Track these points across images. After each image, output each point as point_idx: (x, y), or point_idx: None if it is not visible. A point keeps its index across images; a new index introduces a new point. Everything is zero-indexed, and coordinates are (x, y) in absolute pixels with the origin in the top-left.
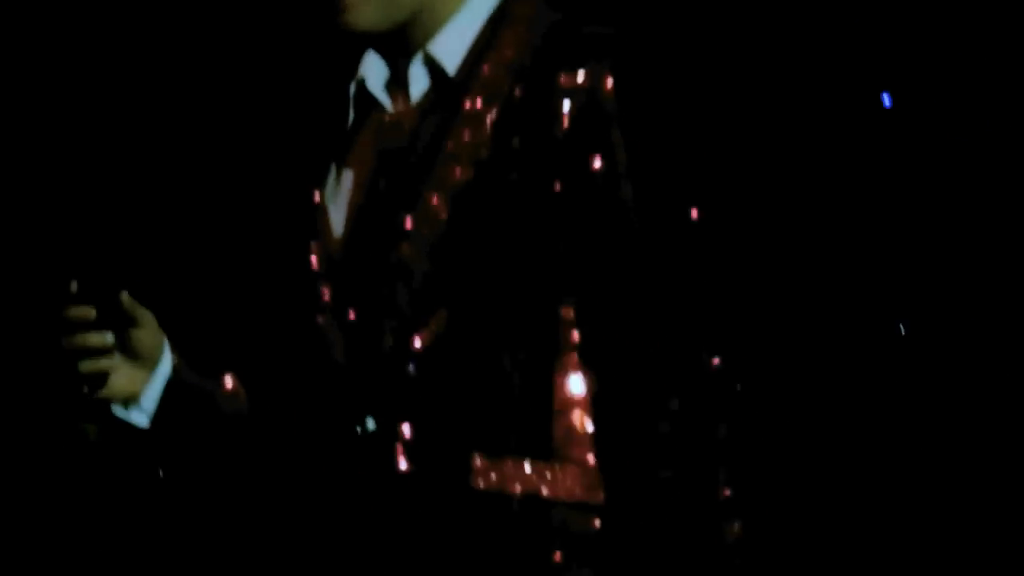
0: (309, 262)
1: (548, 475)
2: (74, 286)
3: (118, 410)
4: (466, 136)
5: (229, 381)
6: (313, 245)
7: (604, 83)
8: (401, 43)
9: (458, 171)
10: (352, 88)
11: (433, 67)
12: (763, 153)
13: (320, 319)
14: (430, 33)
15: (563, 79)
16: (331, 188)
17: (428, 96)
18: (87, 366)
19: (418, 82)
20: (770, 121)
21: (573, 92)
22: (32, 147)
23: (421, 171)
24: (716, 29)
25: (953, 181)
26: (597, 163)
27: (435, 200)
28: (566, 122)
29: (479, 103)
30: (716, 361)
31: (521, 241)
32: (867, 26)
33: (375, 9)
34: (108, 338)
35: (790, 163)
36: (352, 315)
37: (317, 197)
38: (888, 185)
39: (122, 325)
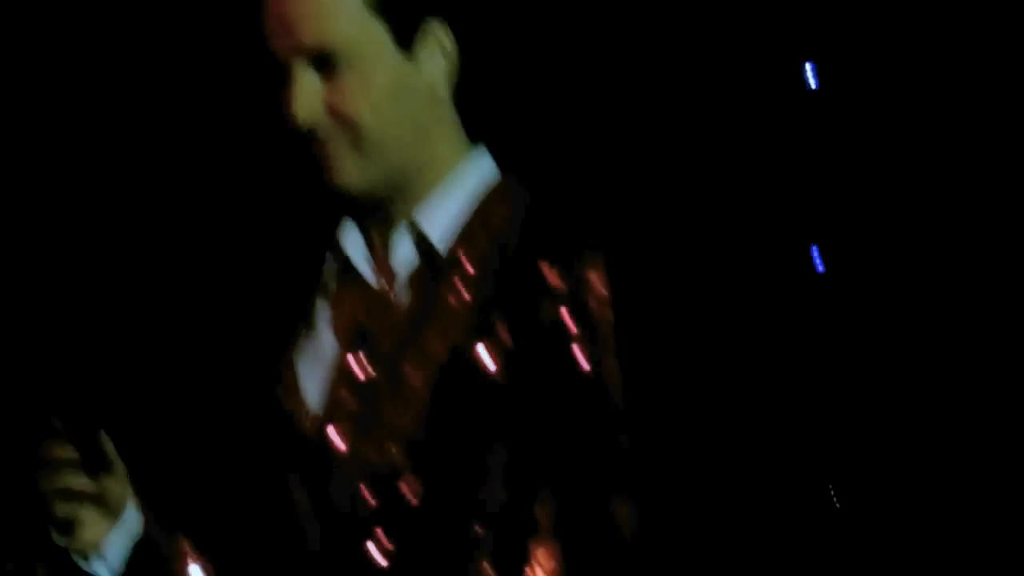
0: (284, 436)
1: None
2: (57, 423)
3: (79, 559)
4: (451, 319)
5: (188, 553)
6: (288, 420)
7: (591, 277)
8: (384, 207)
9: (441, 351)
10: (330, 256)
11: (420, 239)
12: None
13: (297, 498)
14: (414, 200)
15: (549, 272)
16: (307, 353)
17: (414, 271)
18: (61, 509)
19: (403, 251)
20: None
21: (561, 285)
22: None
23: (404, 349)
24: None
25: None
26: (582, 359)
27: (417, 382)
28: (554, 314)
29: (465, 286)
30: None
31: (501, 426)
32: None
33: (359, 170)
34: (86, 482)
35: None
36: (325, 499)
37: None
38: None
39: (96, 470)
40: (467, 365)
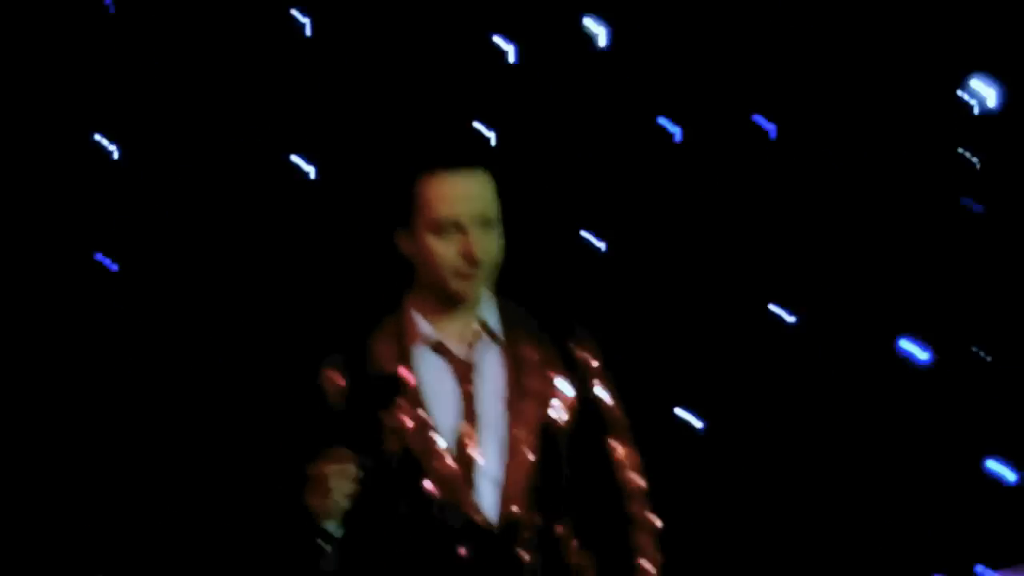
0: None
1: None
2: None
3: (329, 525)
4: (527, 379)
5: None
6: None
7: (592, 351)
8: (464, 311)
9: (532, 408)
10: (420, 342)
11: (485, 328)
12: None
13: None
14: (476, 306)
15: (575, 346)
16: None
17: (483, 348)
18: (343, 488)
19: (473, 335)
20: None
21: (583, 355)
22: None
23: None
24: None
25: None
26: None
27: (521, 435)
28: (584, 369)
29: (524, 349)
30: None
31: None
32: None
33: (480, 287)
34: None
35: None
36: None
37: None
38: None
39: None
40: (554, 424)
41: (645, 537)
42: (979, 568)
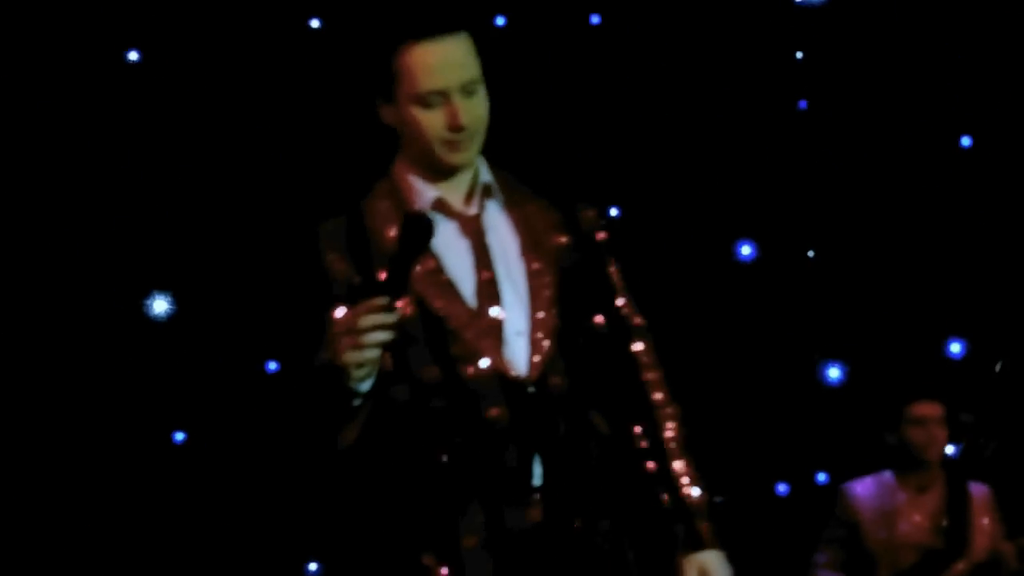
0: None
1: None
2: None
3: (357, 383)
4: (537, 234)
5: None
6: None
7: (598, 218)
8: (463, 175)
9: (546, 260)
10: (420, 203)
11: (486, 189)
12: None
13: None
14: (472, 170)
15: (583, 210)
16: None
17: (487, 206)
18: (375, 339)
19: (478, 198)
20: None
21: (589, 218)
22: None
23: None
24: None
25: None
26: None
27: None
28: (589, 236)
29: (529, 210)
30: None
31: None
32: None
33: (473, 153)
34: (392, 318)
35: None
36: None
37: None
38: None
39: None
40: (563, 264)
41: (659, 394)
42: (820, 476)
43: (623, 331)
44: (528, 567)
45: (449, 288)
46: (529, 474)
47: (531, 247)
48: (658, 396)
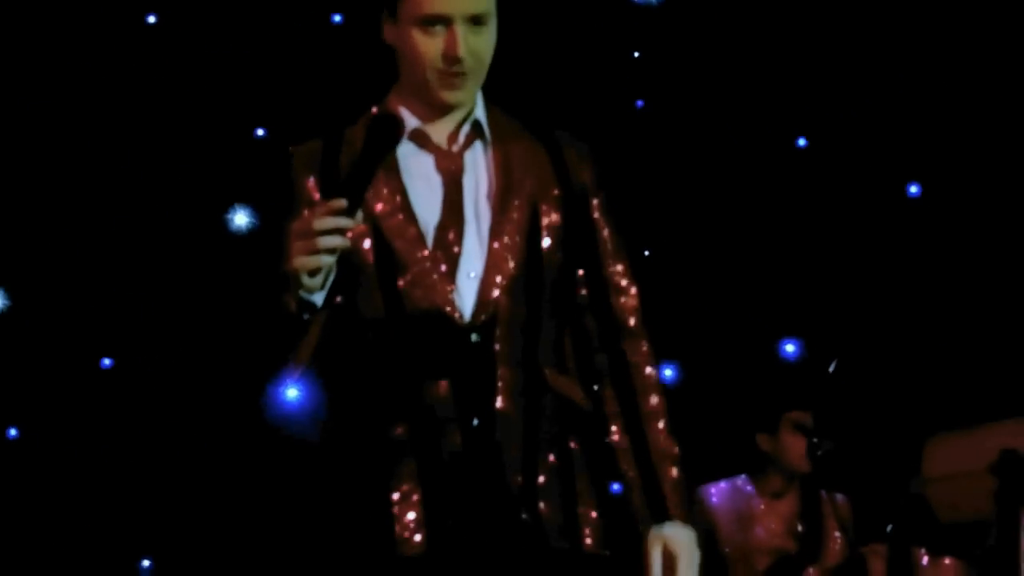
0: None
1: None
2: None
3: (308, 295)
4: (516, 176)
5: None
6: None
7: (587, 157)
8: (455, 113)
9: (520, 205)
10: (405, 138)
11: (477, 126)
12: None
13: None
14: (468, 108)
15: (568, 154)
16: (420, 190)
17: (472, 146)
18: (327, 243)
19: (464, 135)
20: None
21: (577, 159)
22: None
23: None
24: None
25: None
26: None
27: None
28: (577, 178)
29: (513, 151)
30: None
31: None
32: None
33: (472, 89)
34: (349, 223)
35: None
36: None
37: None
38: None
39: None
40: (539, 220)
41: (640, 366)
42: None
43: (602, 289)
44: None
45: (409, 220)
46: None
47: (508, 189)
48: (640, 363)
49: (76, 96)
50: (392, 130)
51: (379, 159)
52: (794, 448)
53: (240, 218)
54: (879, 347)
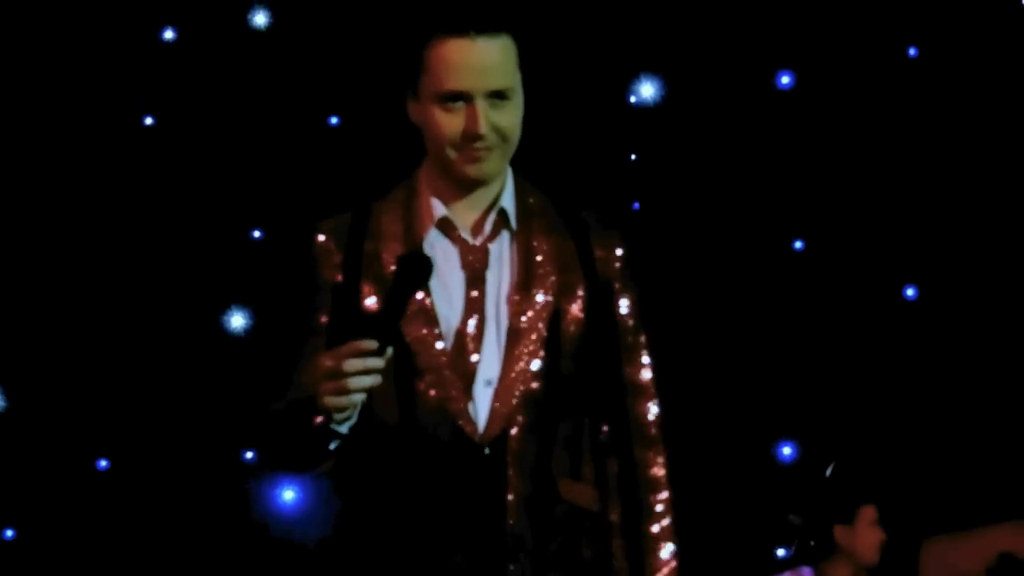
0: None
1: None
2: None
3: (338, 425)
4: (540, 273)
5: None
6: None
7: (617, 249)
8: (482, 195)
9: (541, 305)
10: (432, 226)
11: (502, 215)
12: None
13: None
14: (499, 188)
15: (596, 244)
16: (436, 288)
17: (499, 236)
18: (358, 383)
19: (490, 224)
20: None
21: (606, 251)
22: None
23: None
24: None
25: None
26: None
27: (531, 321)
28: (604, 269)
29: (539, 251)
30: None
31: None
32: None
33: (497, 166)
34: (380, 363)
35: None
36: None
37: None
38: None
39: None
40: (561, 322)
41: (654, 472)
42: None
43: (620, 393)
44: None
45: (430, 321)
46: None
47: (531, 286)
48: (654, 479)
49: (80, 195)
50: (422, 269)
51: (408, 298)
52: (869, 541)
53: (237, 320)
54: (875, 449)
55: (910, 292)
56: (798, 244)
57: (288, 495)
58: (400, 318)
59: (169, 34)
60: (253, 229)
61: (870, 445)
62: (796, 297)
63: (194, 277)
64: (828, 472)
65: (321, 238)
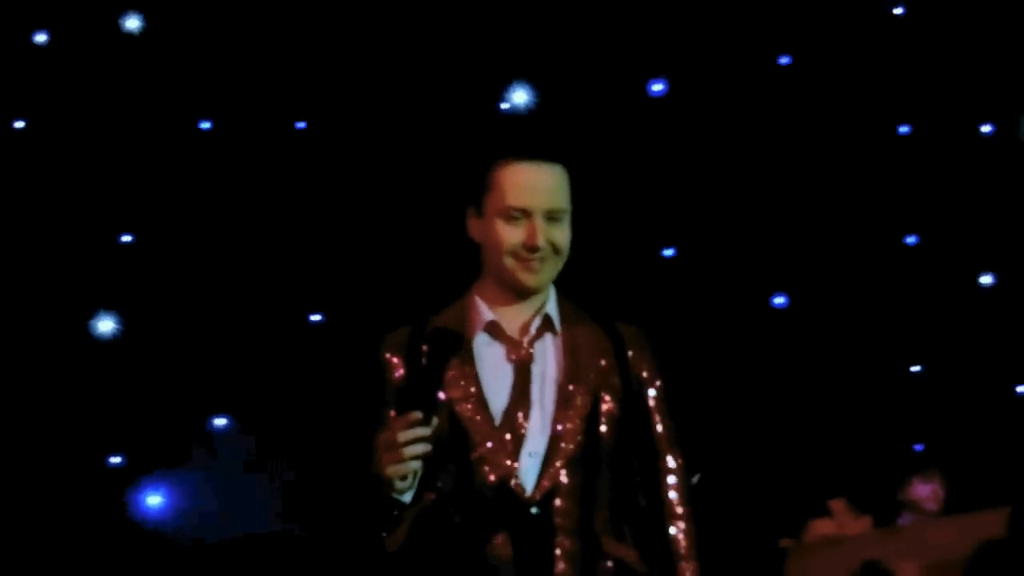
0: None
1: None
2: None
3: (400, 495)
4: (582, 365)
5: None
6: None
7: (646, 352)
8: (529, 304)
9: (583, 392)
10: (481, 330)
11: (547, 320)
12: None
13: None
14: (541, 299)
15: (628, 346)
16: (488, 378)
17: (542, 337)
18: (413, 454)
19: (535, 326)
20: None
21: (636, 354)
22: None
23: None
24: None
25: None
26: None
27: (571, 421)
28: (636, 369)
29: (581, 353)
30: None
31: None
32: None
33: (548, 277)
34: (427, 432)
35: None
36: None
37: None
38: None
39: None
40: (599, 407)
41: (684, 544)
42: None
43: (653, 476)
44: None
45: (481, 405)
46: None
47: (572, 378)
48: (681, 543)
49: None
50: (451, 342)
51: (442, 368)
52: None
53: (105, 324)
54: (744, 453)
55: (779, 300)
56: (668, 252)
57: (154, 500)
58: (438, 386)
59: (41, 37)
60: (123, 233)
61: (736, 449)
62: (665, 304)
63: (63, 281)
64: (694, 480)
65: (387, 355)
